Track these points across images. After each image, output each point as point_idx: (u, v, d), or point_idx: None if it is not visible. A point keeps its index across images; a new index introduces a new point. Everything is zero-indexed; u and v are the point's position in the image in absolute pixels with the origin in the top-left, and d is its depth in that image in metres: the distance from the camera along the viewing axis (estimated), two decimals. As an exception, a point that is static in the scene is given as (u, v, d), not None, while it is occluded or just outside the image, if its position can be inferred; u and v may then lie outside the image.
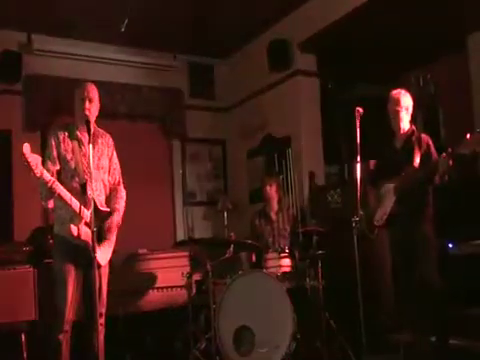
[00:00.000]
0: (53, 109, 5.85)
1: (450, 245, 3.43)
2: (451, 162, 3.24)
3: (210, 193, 6.95)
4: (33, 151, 2.91)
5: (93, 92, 3.30)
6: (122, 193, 3.47)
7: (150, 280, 5.06)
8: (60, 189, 3.03)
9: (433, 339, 3.46)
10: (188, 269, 4.79)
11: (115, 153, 3.50)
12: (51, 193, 3.03)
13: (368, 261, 4.09)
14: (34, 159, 2.87)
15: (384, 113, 3.83)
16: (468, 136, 3.14)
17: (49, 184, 2.96)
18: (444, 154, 3.28)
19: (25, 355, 4.18)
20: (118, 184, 3.49)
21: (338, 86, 6.36)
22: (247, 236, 5.05)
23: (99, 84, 3.46)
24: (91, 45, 6.14)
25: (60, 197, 3.05)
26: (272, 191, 5.00)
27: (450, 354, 3.48)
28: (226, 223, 6.30)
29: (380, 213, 3.67)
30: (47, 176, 2.96)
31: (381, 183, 3.73)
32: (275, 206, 5.02)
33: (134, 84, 6.42)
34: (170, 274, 5.05)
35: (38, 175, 2.89)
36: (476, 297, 3.59)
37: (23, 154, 2.82)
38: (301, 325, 3.92)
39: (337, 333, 4.07)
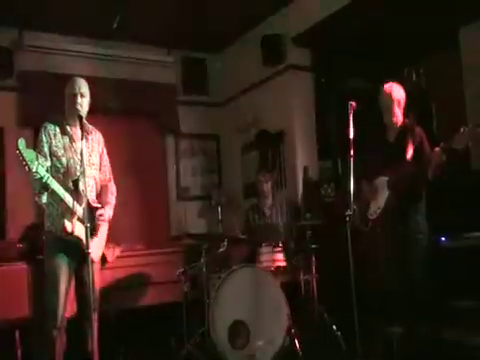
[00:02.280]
0: (46, 105, 5.79)
1: (443, 238, 3.44)
2: (444, 157, 3.25)
3: (204, 188, 6.92)
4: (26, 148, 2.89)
5: (84, 87, 3.28)
6: (113, 189, 3.47)
7: (144, 275, 5.06)
8: (54, 184, 3.01)
9: (426, 331, 3.48)
10: (182, 264, 4.79)
11: (105, 150, 3.48)
12: (45, 188, 3.00)
13: (362, 254, 4.09)
14: (29, 154, 2.86)
15: (377, 107, 3.82)
16: (461, 130, 3.15)
17: (44, 179, 2.94)
18: (437, 148, 3.29)
19: (19, 352, 4.18)
20: (109, 181, 3.48)
21: (332, 80, 6.34)
22: (241, 231, 5.06)
23: (92, 80, 3.44)
24: (83, 40, 6.09)
25: (54, 193, 3.03)
26: (268, 187, 4.99)
27: (442, 346, 3.50)
28: (220, 218, 6.31)
29: (374, 207, 3.69)
30: (42, 171, 2.94)
31: (375, 177, 3.74)
32: (269, 201, 5.02)
33: (127, 79, 6.38)
34: (164, 269, 5.05)
35: (33, 170, 2.87)
36: (468, 289, 3.61)
37: (18, 149, 2.81)
38: (295, 319, 3.93)
39: (331, 326, 4.08)
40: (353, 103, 3.74)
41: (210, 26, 6.13)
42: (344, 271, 3.62)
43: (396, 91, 3.69)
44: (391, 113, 3.69)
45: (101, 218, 3.25)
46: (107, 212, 3.32)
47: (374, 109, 3.91)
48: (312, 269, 4.17)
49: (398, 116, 3.72)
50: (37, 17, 5.55)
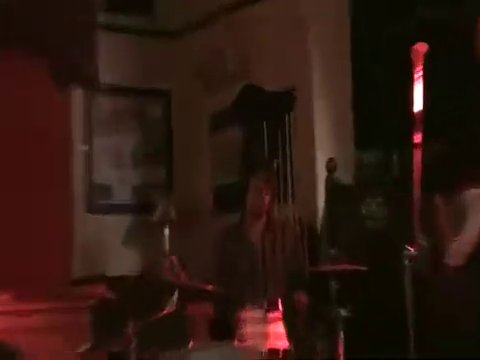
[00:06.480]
0: None
1: None
2: None
3: (140, 190, 7.00)
4: None
5: None
6: None
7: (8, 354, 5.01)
8: None
9: None
10: (90, 335, 4.76)
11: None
12: None
13: (431, 325, 4.08)
14: None
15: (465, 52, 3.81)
16: None
17: None
18: None
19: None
20: None
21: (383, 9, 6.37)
22: (206, 275, 5.00)
23: None
24: None
25: None
26: (261, 196, 5.07)
27: None
28: (168, 247, 6.24)
29: (459, 242, 3.72)
30: None
31: (461, 186, 3.72)
32: (262, 220, 5.03)
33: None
34: (52, 344, 4.98)
35: None
36: None
37: None
38: None
39: None
40: (422, 46, 3.69)
41: None
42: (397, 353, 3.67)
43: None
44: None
45: None
46: None
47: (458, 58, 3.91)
48: (339, 354, 4.13)
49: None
50: None
